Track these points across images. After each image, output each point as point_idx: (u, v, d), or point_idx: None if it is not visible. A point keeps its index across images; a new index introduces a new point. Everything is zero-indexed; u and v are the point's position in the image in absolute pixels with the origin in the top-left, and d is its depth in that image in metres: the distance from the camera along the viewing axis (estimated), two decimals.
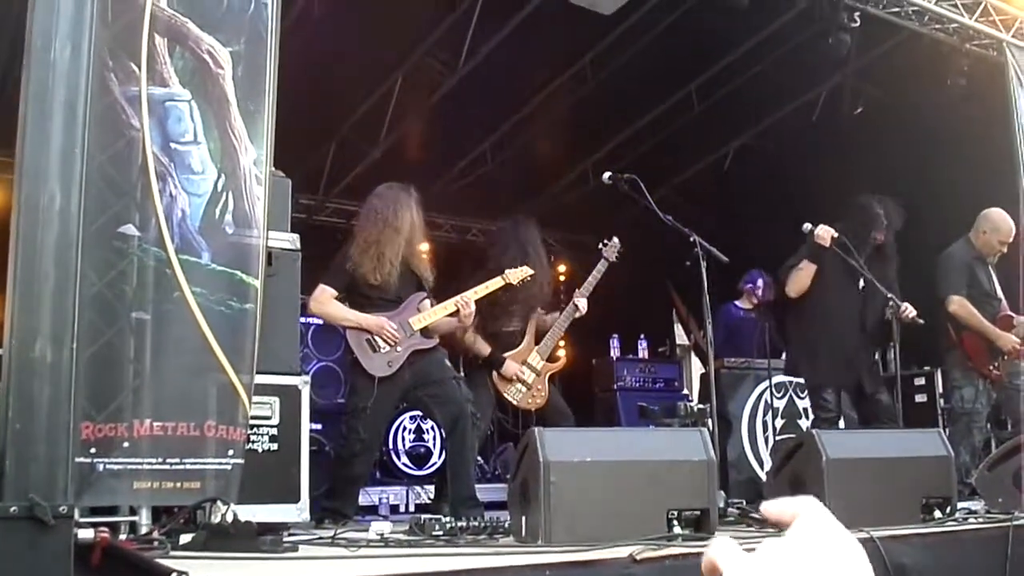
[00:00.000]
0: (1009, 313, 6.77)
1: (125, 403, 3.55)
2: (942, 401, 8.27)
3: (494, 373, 6.29)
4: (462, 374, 7.24)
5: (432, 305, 5.64)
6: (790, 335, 7.00)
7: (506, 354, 6.32)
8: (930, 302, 6.64)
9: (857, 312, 6.46)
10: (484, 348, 6.28)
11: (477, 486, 5.82)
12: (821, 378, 6.59)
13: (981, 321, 6.62)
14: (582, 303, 6.50)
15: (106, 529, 2.17)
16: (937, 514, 4.48)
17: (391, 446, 7.99)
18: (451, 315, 5.68)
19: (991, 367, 6.63)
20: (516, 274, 6.06)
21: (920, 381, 8.27)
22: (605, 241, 6.65)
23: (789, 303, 6.65)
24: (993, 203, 7.24)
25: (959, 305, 6.59)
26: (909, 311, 6.19)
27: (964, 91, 7.94)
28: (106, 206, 3.57)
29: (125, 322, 3.58)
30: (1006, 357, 6.62)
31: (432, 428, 7.97)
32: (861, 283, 6.26)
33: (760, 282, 8.60)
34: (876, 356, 6.41)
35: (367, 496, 6.93)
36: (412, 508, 7.28)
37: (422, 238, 5.71)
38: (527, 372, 6.36)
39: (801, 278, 6.47)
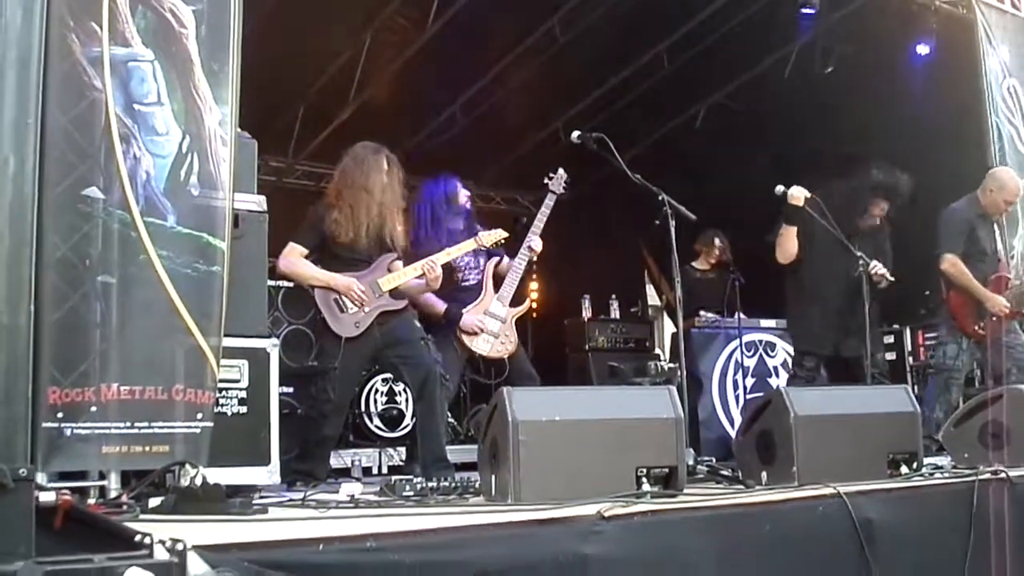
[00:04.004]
0: (1006, 275, 6.80)
1: (92, 368, 3.52)
2: (911, 358, 8.37)
3: (457, 329, 6.28)
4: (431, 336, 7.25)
5: (403, 266, 5.63)
6: (786, 300, 7.00)
7: (467, 308, 6.31)
8: (904, 260, 6.68)
9: (850, 278, 6.44)
10: (438, 307, 6.26)
11: (450, 447, 5.83)
12: (807, 340, 6.63)
13: (971, 281, 6.66)
14: (535, 242, 6.43)
15: (68, 492, 2.17)
16: (904, 469, 4.53)
17: (363, 408, 7.98)
18: (419, 278, 5.67)
19: (976, 327, 6.68)
20: (490, 237, 6.05)
21: (889, 339, 8.34)
22: (551, 175, 6.57)
23: (782, 269, 6.66)
24: (962, 161, 7.29)
25: (950, 264, 6.64)
26: (878, 268, 6.22)
27: (933, 48, 7.97)
28: (69, 169, 3.54)
29: (91, 286, 3.55)
30: (994, 319, 6.63)
31: (404, 391, 7.95)
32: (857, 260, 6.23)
33: (717, 240, 8.63)
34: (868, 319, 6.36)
35: (339, 459, 6.93)
36: (385, 470, 7.29)
37: (397, 201, 5.65)
38: (491, 321, 6.32)
39: (784, 243, 6.50)
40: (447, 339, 6.30)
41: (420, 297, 6.00)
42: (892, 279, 6.35)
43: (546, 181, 6.57)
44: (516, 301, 6.54)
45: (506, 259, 6.59)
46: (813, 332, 6.57)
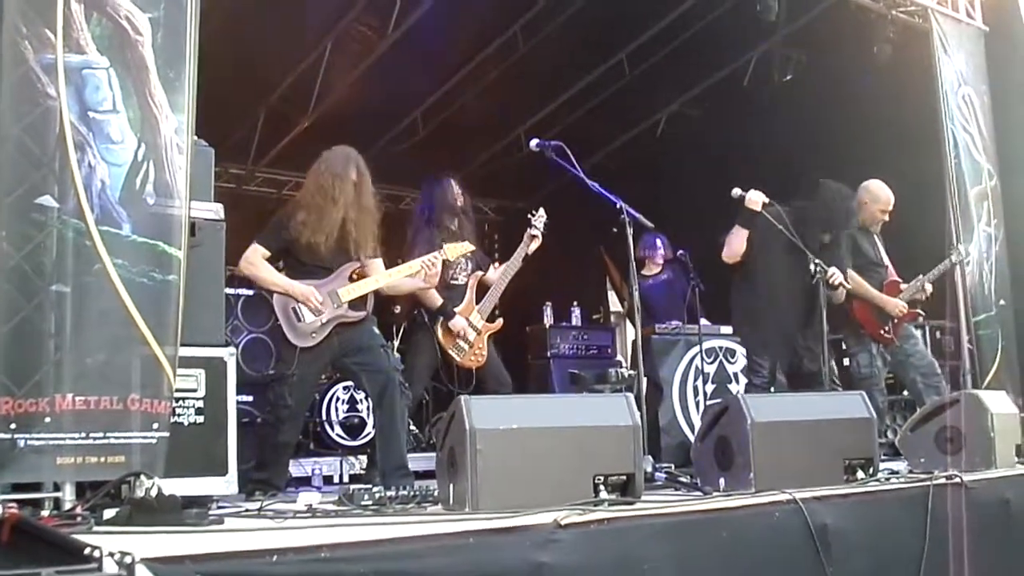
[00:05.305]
0: (896, 279, 7.09)
1: (46, 378, 3.49)
2: None
3: (439, 328, 6.32)
4: (396, 342, 7.25)
5: (362, 277, 5.59)
6: (733, 303, 7.06)
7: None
8: None
9: (803, 291, 6.51)
10: (435, 299, 6.30)
11: (412, 455, 5.82)
12: (759, 349, 6.68)
13: (868, 289, 6.93)
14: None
15: (15, 505, 2.14)
16: (860, 474, 4.57)
17: (324, 417, 7.96)
18: (415, 275, 5.74)
19: (882, 331, 6.94)
20: (454, 250, 6.05)
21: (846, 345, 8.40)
22: (533, 211, 6.71)
23: (733, 272, 6.71)
24: (918, 168, 7.40)
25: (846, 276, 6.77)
26: (836, 276, 6.29)
27: (890, 57, 8.06)
28: (23, 177, 3.51)
29: (44, 296, 3.52)
30: (896, 321, 6.92)
31: (366, 399, 7.93)
32: (813, 267, 6.26)
33: (659, 242, 8.66)
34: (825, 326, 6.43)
35: (300, 467, 6.89)
36: (346, 479, 7.26)
37: (364, 210, 5.58)
38: (470, 330, 6.41)
39: (732, 242, 6.53)
40: (428, 338, 6.37)
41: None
42: (849, 286, 6.45)
43: (528, 216, 6.70)
44: (491, 318, 6.66)
45: (491, 270, 6.77)
46: (767, 340, 6.63)
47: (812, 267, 6.15)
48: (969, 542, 4.25)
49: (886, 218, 7.08)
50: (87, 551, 2.05)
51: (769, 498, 3.92)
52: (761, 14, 7.70)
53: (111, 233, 3.71)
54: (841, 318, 6.98)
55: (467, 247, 6.18)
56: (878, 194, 7.05)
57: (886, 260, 7.14)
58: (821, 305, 6.12)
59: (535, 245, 6.60)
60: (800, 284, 6.37)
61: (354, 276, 5.55)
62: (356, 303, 5.49)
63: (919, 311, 7.11)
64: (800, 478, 4.19)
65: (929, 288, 7.13)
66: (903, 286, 7.03)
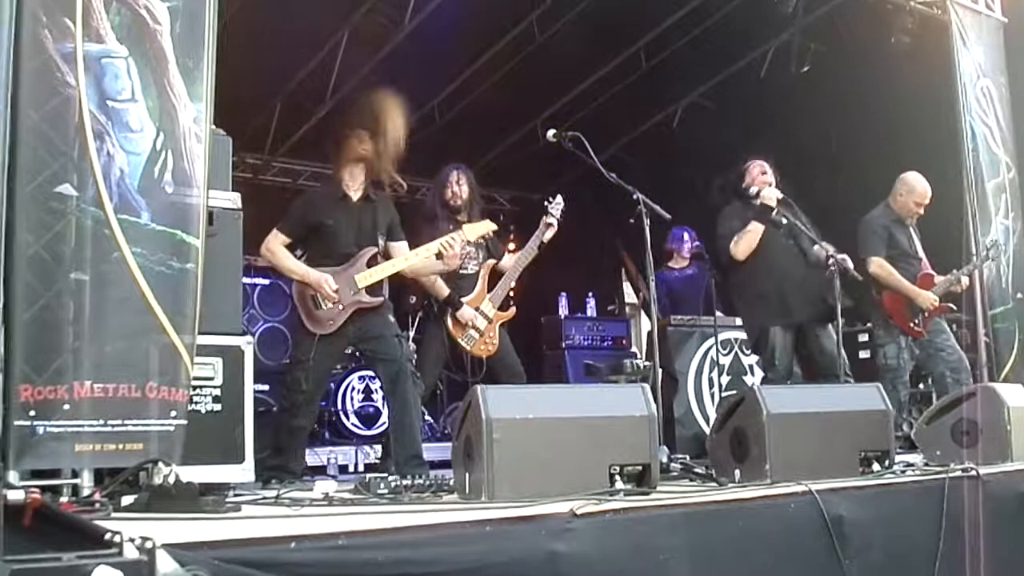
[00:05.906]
0: (930, 272, 7.03)
1: (65, 365, 3.51)
2: None
3: (448, 318, 6.32)
4: (412, 331, 7.26)
5: (379, 262, 5.63)
6: (740, 296, 7.06)
7: (463, 299, 6.36)
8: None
9: (801, 263, 6.62)
10: (443, 289, 6.31)
11: (427, 445, 5.85)
12: (770, 319, 6.68)
13: (900, 280, 6.87)
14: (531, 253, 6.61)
15: (37, 490, 2.16)
16: (875, 467, 4.57)
17: (340, 406, 7.99)
18: (437, 257, 5.76)
19: (912, 324, 6.88)
20: (474, 230, 6.06)
21: (863, 337, 8.39)
22: (549, 198, 6.66)
23: (735, 266, 6.72)
24: (936, 161, 7.36)
25: (878, 266, 6.84)
26: (847, 262, 6.33)
27: (908, 48, 8.03)
28: (42, 166, 3.52)
29: (63, 284, 3.54)
30: (926, 315, 6.86)
31: (381, 388, 7.97)
32: (827, 257, 6.34)
33: (686, 236, 8.67)
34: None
35: (316, 456, 6.93)
36: (361, 468, 7.29)
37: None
38: (480, 318, 6.40)
39: (750, 239, 6.57)
40: (438, 328, 6.39)
41: (428, 277, 6.14)
42: (860, 277, 6.52)
43: (545, 203, 6.66)
44: (504, 306, 6.63)
45: (505, 258, 6.74)
46: (770, 307, 6.65)
47: (826, 257, 6.21)
48: (985, 535, 4.23)
49: (921, 211, 7.04)
50: (108, 536, 2.06)
51: (784, 489, 3.92)
52: (779, 5, 7.69)
53: (129, 221, 3.73)
54: (871, 308, 6.99)
55: (488, 226, 6.18)
56: (914, 186, 7.02)
57: (921, 253, 7.09)
58: (836, 297, 6.14)
59: (551, 233, 6.55)
60: (802, 269, 6.46)
61: (372, 261, 5.58)
62: (374, 288, 5.53)
63: (951, 305, 7.04)
64: (815, 470, 4.18)
65: (965, 281, 7.08)
66: (937, 279, 6.98)
